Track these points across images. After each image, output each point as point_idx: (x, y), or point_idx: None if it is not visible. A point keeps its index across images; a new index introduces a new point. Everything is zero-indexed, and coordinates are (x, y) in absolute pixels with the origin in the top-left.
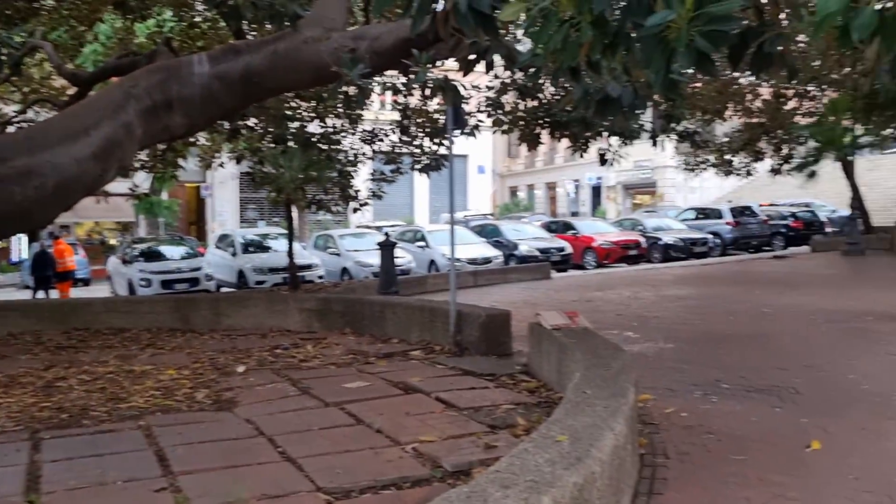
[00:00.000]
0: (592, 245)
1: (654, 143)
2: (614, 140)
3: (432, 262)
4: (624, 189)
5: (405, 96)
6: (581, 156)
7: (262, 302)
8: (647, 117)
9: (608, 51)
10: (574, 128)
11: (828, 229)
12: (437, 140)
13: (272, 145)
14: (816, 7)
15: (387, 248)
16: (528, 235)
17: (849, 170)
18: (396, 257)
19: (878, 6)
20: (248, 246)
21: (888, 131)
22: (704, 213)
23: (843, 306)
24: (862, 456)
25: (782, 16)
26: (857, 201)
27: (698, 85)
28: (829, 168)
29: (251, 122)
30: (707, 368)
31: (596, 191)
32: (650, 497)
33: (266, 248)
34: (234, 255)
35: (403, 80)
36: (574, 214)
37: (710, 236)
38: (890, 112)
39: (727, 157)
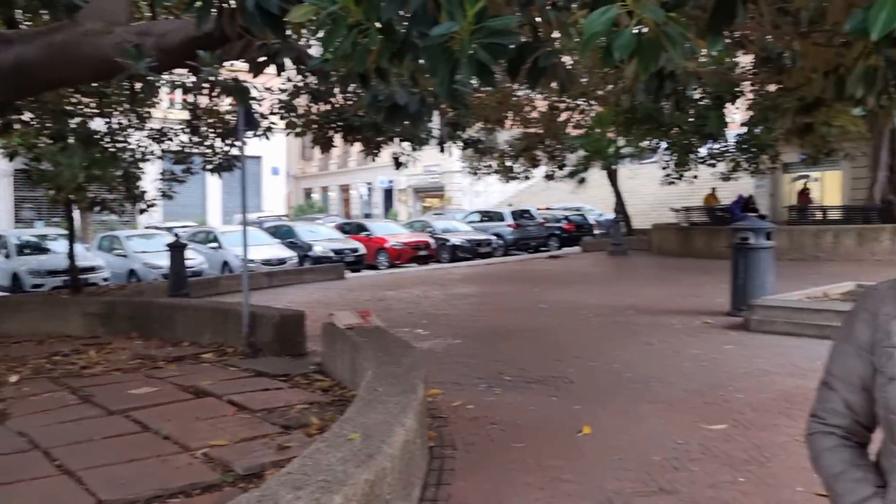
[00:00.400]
0: (385, 246)
1: (442, 150)
2: (406, 145)
3: (225, 264)
4: (414, 192)
5: (195, 96)
6: (373, 159)
7: (40, 306)
8: (435, 124)
9: (396, 58)
10: (366, 132)
11: (596, 231)
12: (228, 141)
13: (50, 142)
14: (583, 28)
15: (177, 249)
16: (323, 236)
17: (612, 177)
18: (187, 259)
19: (636, 30)
20: (23, 247)
21: (645, 143)
22: (488, 215)
23: (608, 301)
24: (625, 437)
25: (555, 34)
26: (620, 206)
27: (481, 95)
28: (597, 175)
29: (26, 116)
30: (491, 362)
31: (388, 193)
32: (439, 488)
33: (44, 250)
34: (7, 257)
35: (194, 78)
36: (367, 216)
37: (494, 238)
38: (646, 126)
39: (508, 163)
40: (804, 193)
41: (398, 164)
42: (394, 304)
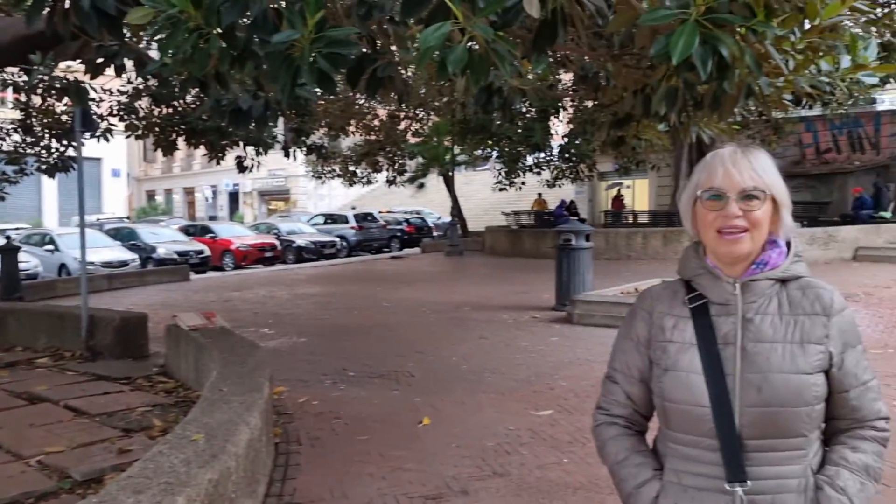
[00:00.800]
0: (230, 248)
1: (287, 154)
2: (250, 149)
3: (63, 266)
4: (260, 195)
5: (28, 95)
6: (218, 163)
7: None
8: (280, 130)
9: (236, 64)
10: (210, 136)
11: (435, 233)
12: (64, 142)
13: None
14: (419, 42)
15: (9, 252)
16: (166, 238)
17: (449, 183)
18: (21, 262)
19: (468, 46)
20: None
21: (478, 152)
22: (332, 218)
23: (446, 299)
24: (462, 427)
25: (393, 47)
26: (456, 210)
27: (324, 102)
28: (435, 181)
29: None
30: (335, 359)
31: (233, 196)
32: (284, 483)
33: None
34: None
35: (26, 77)
36: (212, 219)
37: (338, 239)
38: (479, 136)
39: (351, 168)
40: (618, 199)
41: (242, 168)
42: (239, 304)
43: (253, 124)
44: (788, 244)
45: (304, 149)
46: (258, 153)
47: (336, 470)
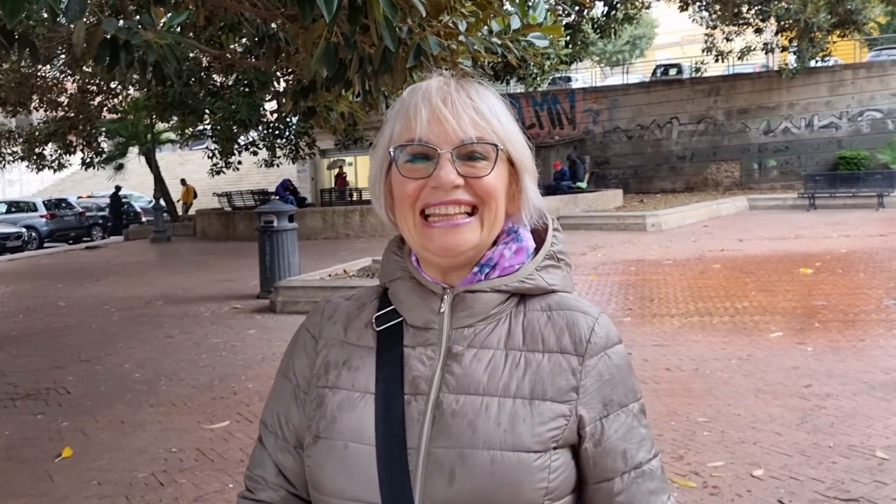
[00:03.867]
0: None
1: None
2: None
3: None
4: None
5: None
6: None
7: None
8: None
9: None
10: None
11: (144, 219)
12: None
13: None
14: None
15: None
16: None
17: (151, 163)
18: None
19: None
20: None
21: (189, 131)
22: (18, 206)
23: (138, 293)
24: (112, 454)
25: None
26: (162, 192)
27: None
28: (141, 162)
29: None
30: None
31: None
32: None
33: None
34: None
35: None
36: None
37: (25, 230)
38: (180, 111)
39: (38, 150)
40: (340, 177)
41: None
42: None
43: None
44: (540, 235)
45: None
46: None
47: None
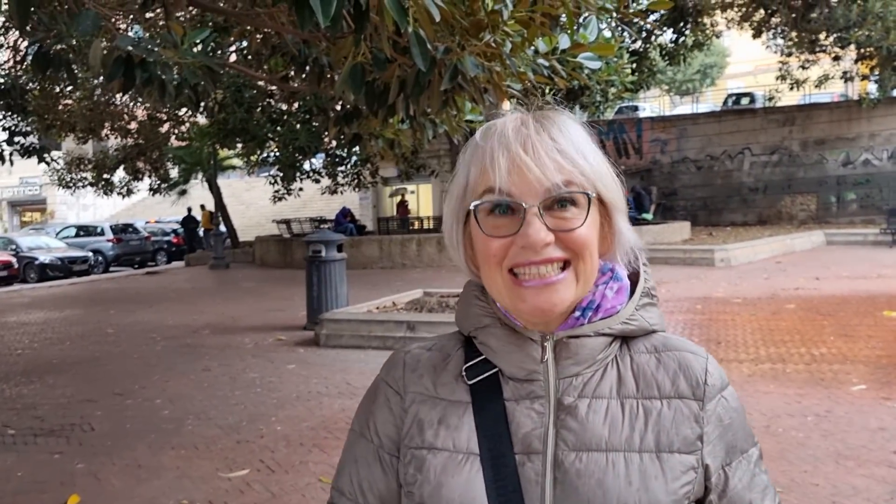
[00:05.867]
0: None
1: (0, 158)
2: None
3: None
4: (10, 206)
5: None
6: None
7: None
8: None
9: None
10: None
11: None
12: None
13: None
14: None
15: None
16: None
17: (214, 189)
18: None
19: None
20: None
21: (253, 158)
22: (85, 230)
23: (186, 321)
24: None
25: None
26: (224, 218)
27: (70, 103)
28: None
29: None
30: (3, 411)
31: None
32: None
33: None
34: None
35: None
36: None
37: (91, 254)
38: (241, 138)
39: (105, 175)
40: (402, 205)
41: None
42: None
43: None
44: (633, 275)
45: (21, 152)
46: None
47: None
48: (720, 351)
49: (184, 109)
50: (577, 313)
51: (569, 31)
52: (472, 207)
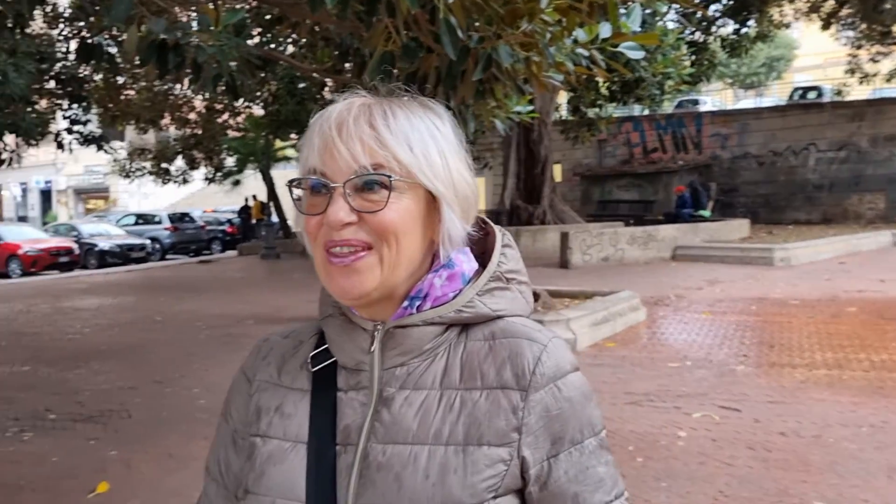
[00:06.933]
0: (18, 253)
1: (60, 146)
2: (11, 139)
3: None
4: (76, 193)
5: None
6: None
7: None
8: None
9: None
10: None
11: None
12: None
13: None
14: None
15: None
16: None
17: (267, 179)
18: None
19: None
20: None
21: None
22: (144, 218)
23: (232, 311)
24: (146, 494)
25: None
26: (276, 209)
27: (130, 92)
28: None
29: None
30: (47, 395)
31: (46, 195)
32: None
33: None
34: None
35: None
36: (22, 219)
37: (149, 241)
38: (293, 129)
39: (164, 165)
40: None
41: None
42: None
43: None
44: (483, 259)
45: (79, 139)
46: (28, 144)
47: None
48: (773, 355)
49: (241, 100)
50: (406, 303)
51: (611, 20)
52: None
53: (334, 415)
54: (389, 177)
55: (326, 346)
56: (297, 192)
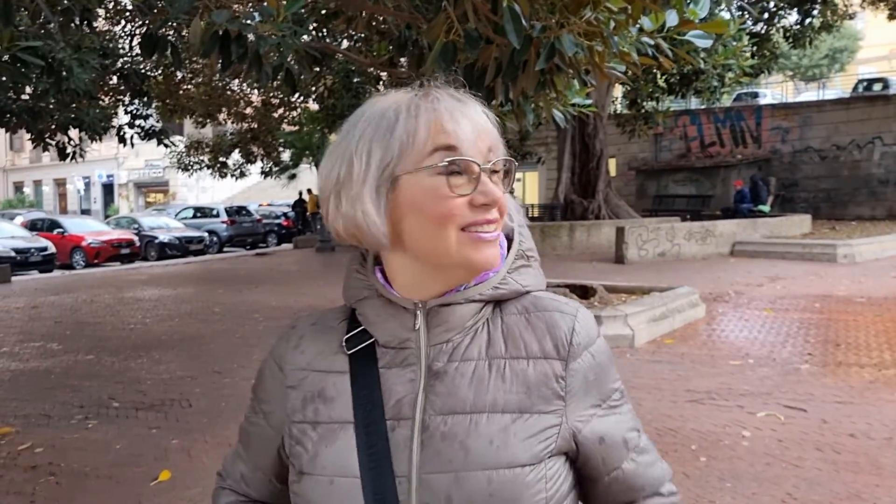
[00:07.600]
0: (81, 244)
1: (122, 141)
2: (75, 134)
3: None
4: (136, 187)
5: None
6: (45, 150)
7: None
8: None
9: None
10: (24, 119)
11: (319, 227)
12: None
13: None
14: None
15: None
16: (3, 235)
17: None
18: None
19: None
20: None
21: None
22: (202, 211)
23: (289, 303)
24: (207, 483)
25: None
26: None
27: (189, 88)
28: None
29: None
30: (110, 384)
31: (108, 188)
32: None
33: None
34: None
35: None
36: (85, 212)
37: (207, 234)
38: (342, 122)
39: (221, 158)
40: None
41: (64, 156)
42: (46, 311)
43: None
44: (508, 239)
45: (139, 133)
46: (91, 139)
47: None
48: (839, 353)
49: (297, 95)
50: None
51: (677, 7)
52: (445, 161)
53: (380, 392)
54: (514, 161)
55: (359, 328)
56: (427, 177)
